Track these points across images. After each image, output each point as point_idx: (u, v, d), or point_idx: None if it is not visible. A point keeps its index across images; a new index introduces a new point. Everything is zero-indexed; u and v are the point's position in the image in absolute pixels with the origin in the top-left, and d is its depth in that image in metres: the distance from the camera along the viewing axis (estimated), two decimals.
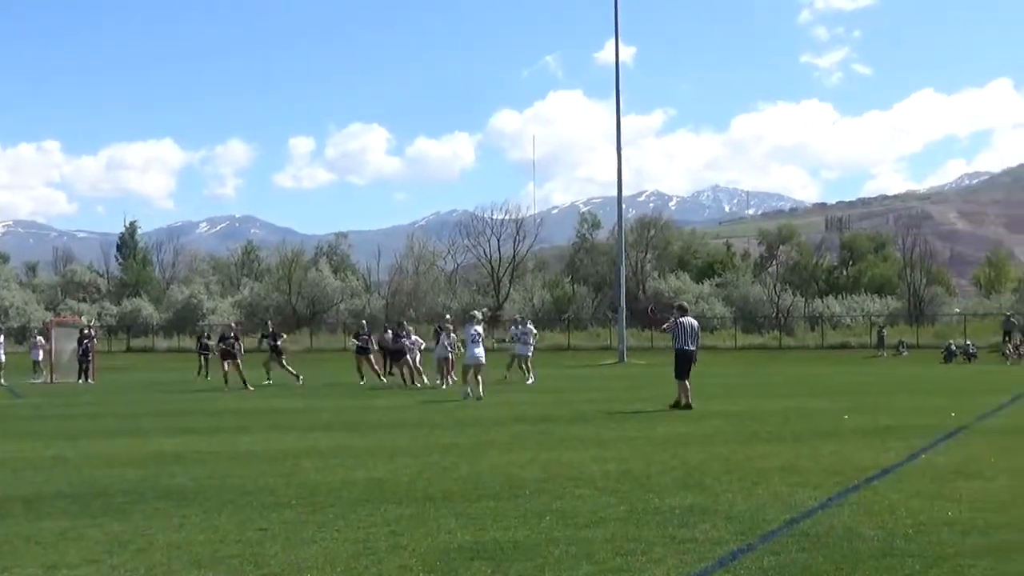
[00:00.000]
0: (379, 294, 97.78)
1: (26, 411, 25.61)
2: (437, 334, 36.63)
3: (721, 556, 8.20)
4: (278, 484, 12.26)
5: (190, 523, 9.92)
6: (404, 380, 33.92)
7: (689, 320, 23.65)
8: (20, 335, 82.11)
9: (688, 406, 22.48)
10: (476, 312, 31.22)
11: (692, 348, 23.35)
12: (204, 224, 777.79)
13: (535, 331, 37.00)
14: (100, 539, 9.26)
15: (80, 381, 38.09)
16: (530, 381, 34.40)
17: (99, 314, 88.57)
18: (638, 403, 25.39)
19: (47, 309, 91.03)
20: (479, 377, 27.06)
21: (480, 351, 27.38)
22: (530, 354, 36.25)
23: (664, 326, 24.96)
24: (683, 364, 23.13)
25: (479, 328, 28.26)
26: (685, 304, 25.43)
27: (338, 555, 8.42)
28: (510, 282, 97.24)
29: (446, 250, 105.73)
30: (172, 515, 10.33)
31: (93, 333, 42.41)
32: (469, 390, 26.73)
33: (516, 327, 36.96)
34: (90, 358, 39.93)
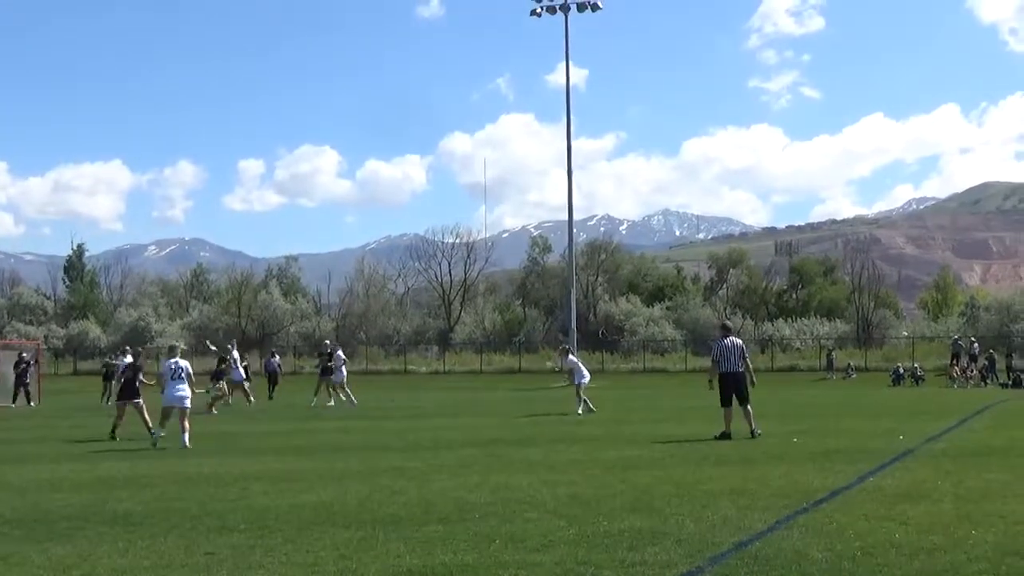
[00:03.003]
0: (329, 316, 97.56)
1: None
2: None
3: None
4: (226, 508, 12.16)
5: (136, 548, 9.82)
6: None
7: (732, 340, 22.02)
8: None
9: (727, 435, 20.84)
10: (175, 343, 27.48)
11: (736, 370, 21.65)
12: (153, 247, 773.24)
13: (343, 357, 37.39)
14: (44, 564, 9.15)
15: (14, 404, 37.68)
16: (330, 403, 35.70)
17: (46, 336, 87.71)
18: (588, 426, 25.41)
19: None
20: (184, 423, 21.28)
21: (182, 390, 21.66)
22: (343, 380, 36.68)
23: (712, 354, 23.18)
24: (727, 388, 21.54)
25: (180, 361, 22.31)
26: (728, 323, 23.79)
27: None
28: (461, 305, 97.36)
29: (397, 273, 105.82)
30: (118, 540, 10.22)
31: (29, 357, 41.74)
32: (161, 433, 21.73)
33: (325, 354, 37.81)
34: (26, 381, 39.46)
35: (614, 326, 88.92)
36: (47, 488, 14.44)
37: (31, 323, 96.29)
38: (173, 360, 22.23)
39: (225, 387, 35.01)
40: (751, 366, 22.30)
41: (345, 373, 36.57)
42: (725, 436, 20.85)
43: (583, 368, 32.25)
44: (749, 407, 21.48)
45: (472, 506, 12.10)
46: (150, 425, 22.39)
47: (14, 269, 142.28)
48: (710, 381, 22.26)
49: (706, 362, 75.56)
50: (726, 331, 22.60)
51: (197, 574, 8.63)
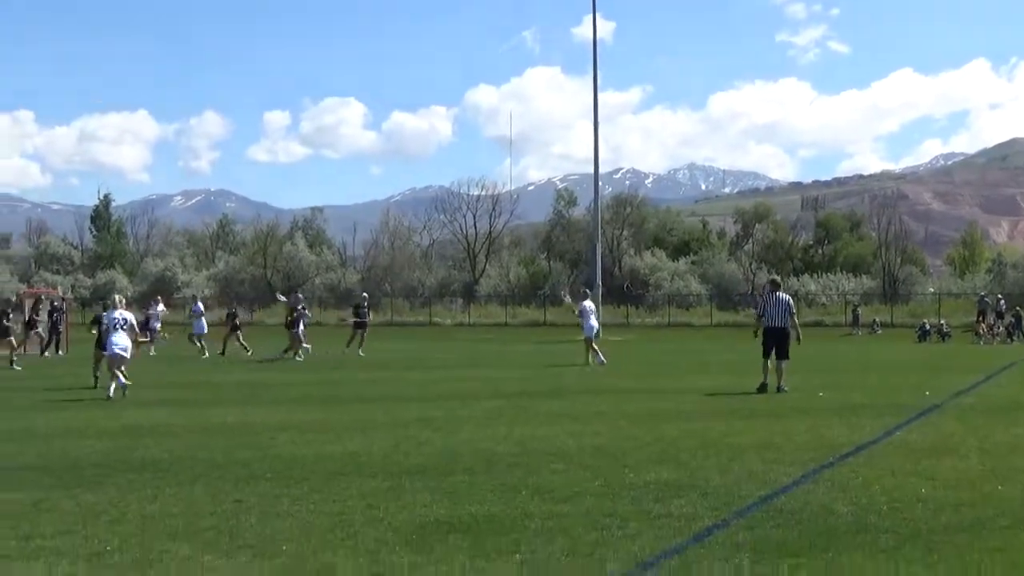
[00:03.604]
0: (354, 268, 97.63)
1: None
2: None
3: (696, 531, 8.21)
4: (253, 457, 12.22)
5: (164, 495, 9.88)
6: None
7: (780, 295, 22.00)
8: None
9: (764, 387, 21.04)
10: (116, 295, 24.36)
11: (781, 325, 21.62)
12: (179, 197, 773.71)
13: (202, 309, 39.19)
14: (73, 510, 9.21)
15: (47, 354, 37.80)
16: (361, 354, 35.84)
17: (73, 286, 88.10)
18: (614, 379, 25.41)
19: (20, 281, 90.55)
20: (119, 372, 21.07)
21: (121, 342, 21.38)
22: (204, 331, 38.16)
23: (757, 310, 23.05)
24: (769, 342, 21.50)
25: (123, 313, 22.17)
26: (777, 279, 23.84)
27: (314, 528, 8.40)
28: (486, 258, 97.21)
29: (422, 225, 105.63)
30: (146, 487, 10.28)
31: (63, 305, 42.01)
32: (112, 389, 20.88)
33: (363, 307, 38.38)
34: (60, 330, 39.70)
35: (639, 280, 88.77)
36: (75, 435, 14.52)
37: (58, 272, 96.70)
38: (116, 312, 22.07)
39: (301, 335, 35.18)
40: (797, 323, 22.35)
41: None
42: (763, 388, 21.03)
43: (592, 317, 32.15)
44: (785, 363, 21.48)
45: (498, 457, 12.13)
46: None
47: (41, 218, 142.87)
48: (755, 332, 22.45)
49: (731, 316, 75.83)
50: (775, 286, 22.73)
51: (226, 521, 8.67)
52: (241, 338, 37.88)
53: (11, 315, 33.93)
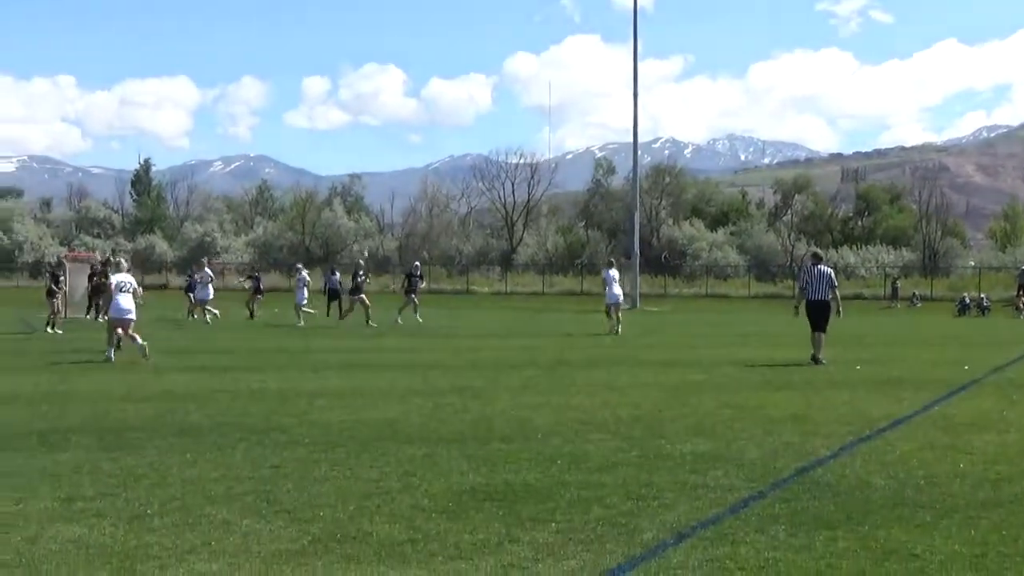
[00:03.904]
0: (392, 235, 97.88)
1: (41, 346, 25.68)
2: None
3: (732, 503, 8.21)
4: (291, 423, 12.30)
5: (204, 459, 9.96)
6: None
7: (822, 268, 21.96)
8: (34, 269, 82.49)
9: (816, 359, 21.12)
10: (120, 259, 26.54)
11: (823, 298, 21.62)
12: (218, 163, 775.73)
13: (211, 275, 39.08)
14: (115, 473, 9.30)
15: (88, 316, 37.99)
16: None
17: (113, 250, 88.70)
18: (650, 350, 25.41)
19: (61, 244, 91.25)
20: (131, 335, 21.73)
21: (127, 305, 21.75)
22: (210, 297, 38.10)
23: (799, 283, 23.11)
24: (811, 315, 21.62)
25: (126, 276, 22.48)
26: (819, 252, 24.01)
27: (351, 494, 8.45)
28: (524, 226, 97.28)
29: (460, 193, 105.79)
30: (186, 451, 10.37)
31: (106, 270, 42.19)
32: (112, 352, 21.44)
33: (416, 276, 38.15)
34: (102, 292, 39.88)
35: (677, 250, 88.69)
36: (116, 399, 14.64)
37: (99, 236, 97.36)
38: (120, 275, 22.50)
39: (362, 300, 35.46)
40: (838, 296, 22.27)
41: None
42: (815, 360, 21.09)
43: (615, 285, 32.25)
44: (823, 335, 21.47)
45: (535, 426, 12.16)
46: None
47: (82, 183, 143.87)
48: (796, 308, 22.45)
49: (769, 288, 75.62)
50: (817, 259, 22.69)
51: (264, 486, 8.74)
52: (256, 303, 38.46)
53: (61, 278, 34.18)
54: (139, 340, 21.29)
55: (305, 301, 37.42)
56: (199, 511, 7.84)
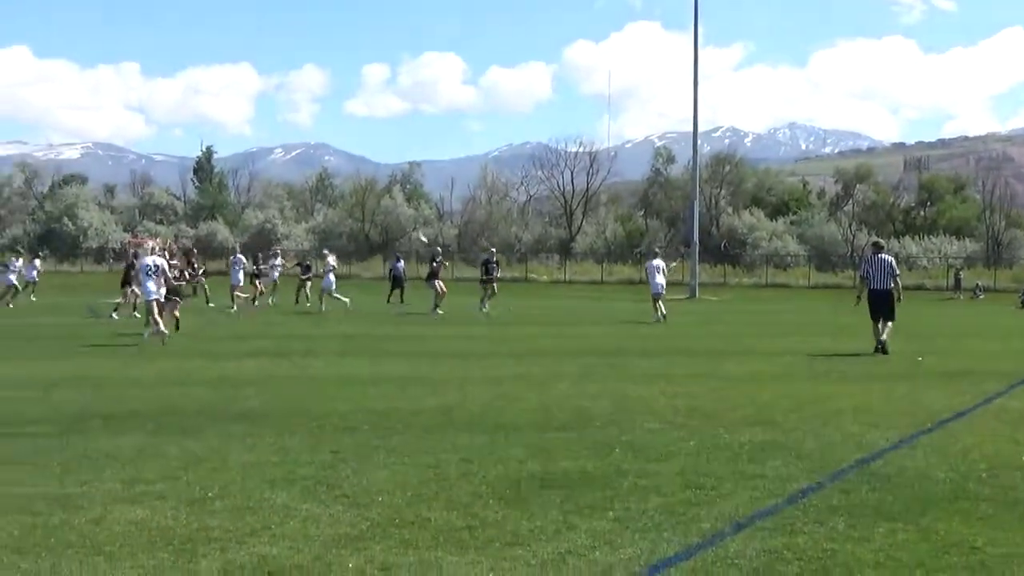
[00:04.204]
0: (452, 223, 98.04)
1: (103, 331, 25.98)
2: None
3: (791, 493, 8.17)
4: (349, 409, 12.37)
5: (263, 444, 10.05)
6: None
7: (882, 257, 22.00)
8: (99, 255, 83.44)
9: (880, 349, 21.01)
10: (151, 243, 28.61)
11: (885, 287, 21.61)
12: (279, 150, 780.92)
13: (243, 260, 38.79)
14: (176, 456, 9.41)
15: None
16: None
17: (175, 236, 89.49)
18: (709, 339, 25.32)
19: (125, 230, 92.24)
20: (155, 315, 22.57)
21: (151, 287, 22.85)
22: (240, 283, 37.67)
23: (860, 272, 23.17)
24: (874, 304, 21.57)
25: (154, 259, 23.55)
26: (880, 241, 23.94)
27: (409, 480, 8.50)
28: (583, 215, 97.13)
29: (519, 181, 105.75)
30: (245, 436, 10.46)
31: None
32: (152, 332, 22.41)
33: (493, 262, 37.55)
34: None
35: (737, 240, 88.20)
36: (177, 384, 14.82)
37: (161, 223, 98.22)
38: (147, 258, 23.64)
39: (437, 285, 35.67)
40: (899, 284, 22.19)
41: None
42: (878, 349, 21.00)
43: (658, 275, 32.48)
44: (891, 324, 21.48)
45: (593, 414, 12.16)
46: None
47: (145, 169, 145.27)
48: (858, 297, 22.38)
49: (829, 278, 75.06)
50: (878, 248, 22.66)
51: (323, 471, 8.80)
52: (305, 289, 38.62)
53: (136, 265, 34.62)
54: (162, 326, 21.91)
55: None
56: (259, 495, 7.92)
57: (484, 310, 35.46)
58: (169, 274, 23.60)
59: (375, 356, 19.60)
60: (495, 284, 37.00)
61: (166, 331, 22.00)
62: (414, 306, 36.90)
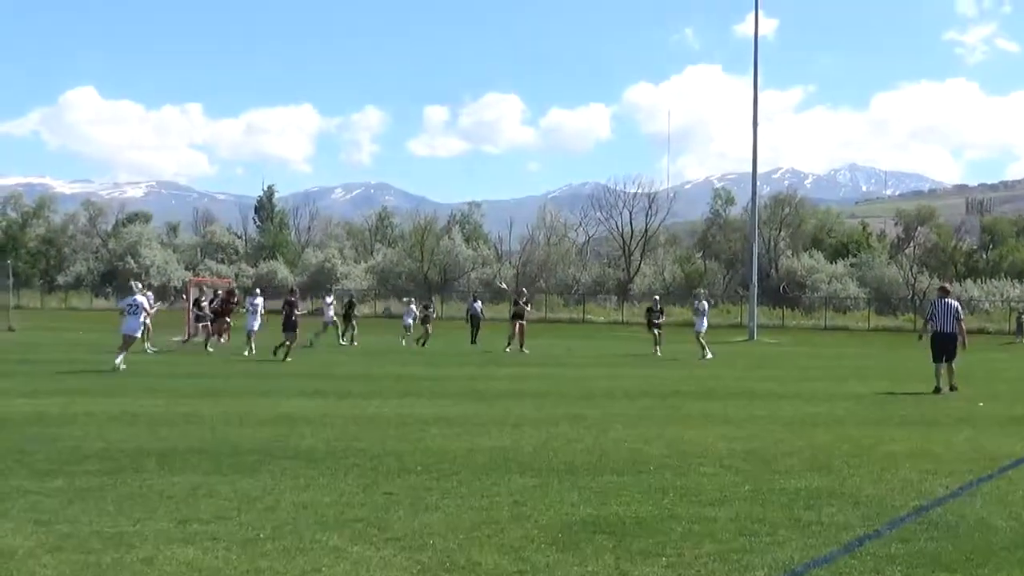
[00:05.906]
0: (510, 263, 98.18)
1: (161, 368, 26.19)
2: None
3: (847, 541, 8.07)
4: (404, 449, 12.38)
5: (317, 484, 10.07)
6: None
7: (948, 301, 22.80)
8: (160, 293, 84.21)
9: (938, 390, 21.74)
10: (134, 282, 29.18)
11: (948, 330, 22.39)
12: (339, 190, 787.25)
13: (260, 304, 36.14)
14: (230, 496, 9.44)
15: (223, 340, 38.36)
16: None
17: (236, 275, 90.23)
18: (766, 382, 25.14)
19: (187, 269, 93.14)
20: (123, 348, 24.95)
21: (132, 322, 25.59)
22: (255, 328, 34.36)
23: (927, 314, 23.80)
24: (936, 347, 22.33)
25: (137, 297, 26.29)
26: (946, 286, 24.66)
27: (461, 523, 8.48)
28: (641, 256, 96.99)
29: (578, 222, 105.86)
30: (300, 475, 10.50)
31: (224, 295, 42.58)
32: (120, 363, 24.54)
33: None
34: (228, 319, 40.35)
35: (796, 282, 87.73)
36: (234, 423, 14.88)
37: (223, 261, 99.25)
38: (131, 297, 26.36)
39: (521, 326, 36.63)
40: (964, 328, 22.89)
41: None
42: (937, 391, 21.69)
43: (704, 317, 36.12)
44: (953, 365, 22.20)
45: (647, 458, 12.09)
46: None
47: (207, 208, 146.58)
48: (919, 335, 23.39)
49: (890, 321, 74.43)
50: (944, 292, 23.52)
51: (375, 513, 8.80)
52: (348, 327, 39.25)
53: (204, 304, 35.17)
54: (120, 360, 24.35)
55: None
56: (311, 536, 7.93)
57: (658, 352, 36.53)
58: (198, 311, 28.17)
59: (433, 396, 19.62)
60: (661, 331, 37.89)
61: (124, 366, 24.26)
62: (488, 343, 36.88)
